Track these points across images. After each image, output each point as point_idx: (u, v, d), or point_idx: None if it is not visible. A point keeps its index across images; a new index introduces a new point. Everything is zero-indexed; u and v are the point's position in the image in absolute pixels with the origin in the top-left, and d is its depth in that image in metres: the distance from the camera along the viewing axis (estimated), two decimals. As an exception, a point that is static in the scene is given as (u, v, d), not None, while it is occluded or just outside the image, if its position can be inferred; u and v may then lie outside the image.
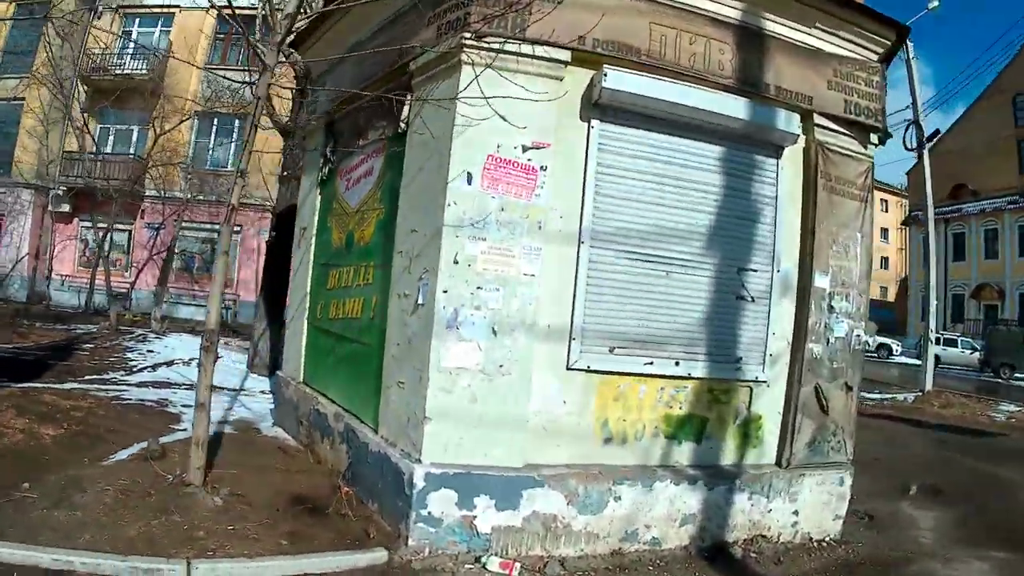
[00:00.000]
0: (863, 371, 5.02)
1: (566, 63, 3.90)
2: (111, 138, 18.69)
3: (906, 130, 12.96)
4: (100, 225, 15.23)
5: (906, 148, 13.07)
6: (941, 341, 23.07)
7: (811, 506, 4.50)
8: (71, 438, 4.71)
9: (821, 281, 4.51)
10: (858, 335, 4.68)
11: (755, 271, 4.44)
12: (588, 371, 4.01)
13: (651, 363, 4.14)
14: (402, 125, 4.33)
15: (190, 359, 8.70)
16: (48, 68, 14.16)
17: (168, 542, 3.25)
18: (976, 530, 4.97)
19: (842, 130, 4.61)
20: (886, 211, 44.17)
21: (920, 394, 12.57)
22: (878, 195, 45.67)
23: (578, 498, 3.89)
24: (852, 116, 4.59)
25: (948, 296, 31.92)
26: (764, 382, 4.44)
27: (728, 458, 4.41)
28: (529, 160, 3.83)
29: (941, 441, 8.80)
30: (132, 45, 17.50)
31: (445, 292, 3.72)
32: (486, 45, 3.77)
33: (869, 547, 4.52)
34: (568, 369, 3.97)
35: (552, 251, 3.91)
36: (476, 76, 3.72)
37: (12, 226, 17.68)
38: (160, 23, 18.87)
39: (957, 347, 24.64)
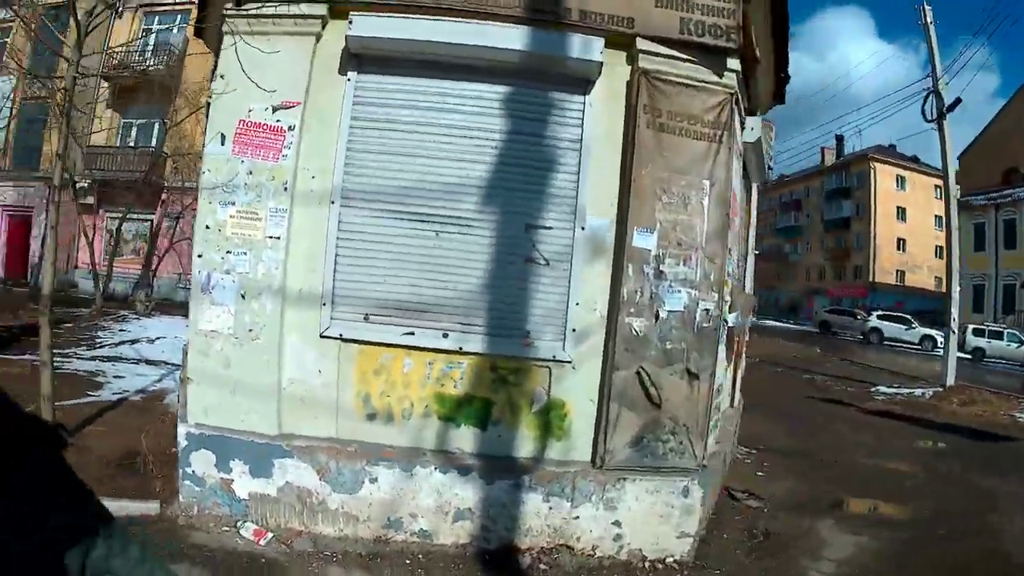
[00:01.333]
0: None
1: (322, 17, 3.74)
2: (134, 132, 19.41)
3: (925, 100, 12.07)
4: (120, 216, 16.37)
5: (925, 119, 12.05)
6: (986, 333, 22.35)
7: (640, 518, 3.71)
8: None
9: (642, 240, 3.69)
10: (706, 309, 3.73)
11: (550, 229, 3.79)
12: (342, 339, 3.77)
13: (411, 333, 3.76)
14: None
15: (156, 338, 9.64)
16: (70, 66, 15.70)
17: None
18: (914, 571, 3.71)
19: (680, 55, 3.74)
20: (939, 198, 35.50)
21: (940, 390, 11.06)
22: (931, 181, 37.09)
23: (330, 474, 3.69)
24: (693, 37, 3.70)
25: (999, 286, 29.15)
26: (567, 362, 3.77)
27: (524, 450, 3.82)
28: (278, 121, 3.73)
29: (939, 444, 7.27)
30: (151, 42, 18.33)
31: (200, 257, 3.78)
32: (244, 12, 3.76)
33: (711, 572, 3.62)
34: (321, 337, 3.78)
35: (305, 212, 3.76)
36: (234, 44, 3.71)
37: (41, 218, 18.80)
38: (179, 20, 19.52)
39: (1003, 340, 22.35)
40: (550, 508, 3.69)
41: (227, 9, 3.77)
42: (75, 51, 4.21)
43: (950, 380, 11.44)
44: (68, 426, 4.56)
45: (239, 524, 3.68)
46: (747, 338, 6.69)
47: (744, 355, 6.52)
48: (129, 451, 4.54)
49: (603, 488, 3.69)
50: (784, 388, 11.13)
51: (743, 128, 4.33)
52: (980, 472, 5.90)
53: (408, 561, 3.58)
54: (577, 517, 3.70)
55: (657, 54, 3.72)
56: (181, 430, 3.73)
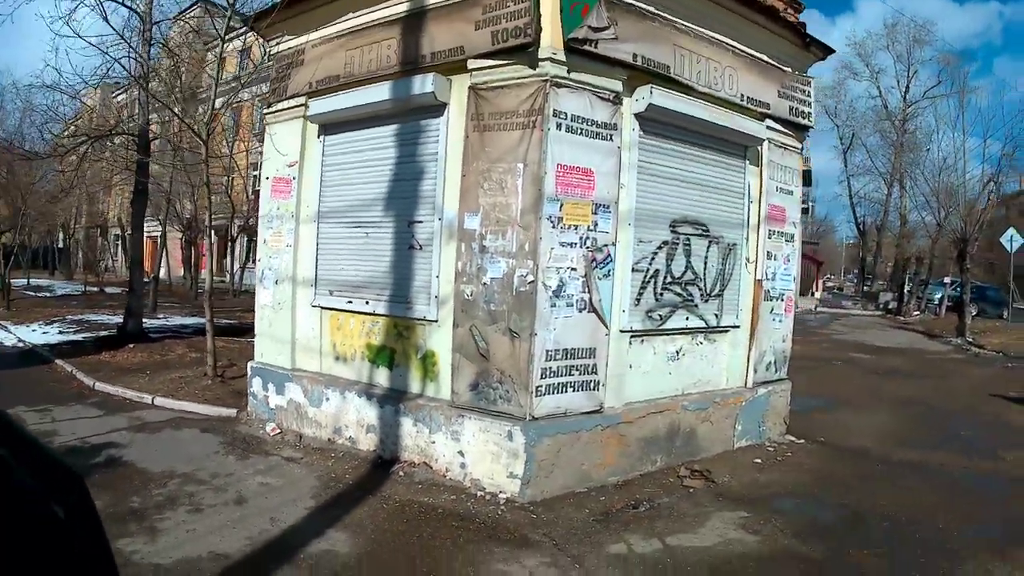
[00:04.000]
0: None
1: (303, 104, 5.82)
2: None
3: None
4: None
5: None
6: None
7: (477, 452, 4.54)
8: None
9: (470, 222, 4.59)
10: (523, 275, 4.36)
11: (422, 222, 4.99)
12: (321, 308, 5.71)
13: (351, 302, 5.44)
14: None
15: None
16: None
17: (165, 389, 7.03)
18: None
19: (495, 63, 4.53)
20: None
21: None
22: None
23: (309, 394, 5.66)
24: (501, 45, 4.45)
25: None
26: (435, 321, 4.88)
27: (414, 387, 5.07)
28: (288, 173, 5.97)
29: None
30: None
31: (259, 260, 6.32)
32: (270, 111, 6.19)
33: (527, 516, 4.15)
34: (312, 306, 5.80)
35: (303, 228, 5.89)
36: (268, 132, 6.16)
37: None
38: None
39: None
40: (417, 432, 4.86)
41: (265, 112, 6.21)
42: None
43: None
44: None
45: (266, 424, 5.90)
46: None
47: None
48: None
49: (451, 421, 4.66)
50: None
51: (612, 103, 4.61)
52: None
53: (343, 455, 5.21)
54: (434, 442, 4.76)
55: (483, 68, 4.59)
56: (249, 365, 6.23)
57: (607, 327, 4.68)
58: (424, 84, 4.78)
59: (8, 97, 14.07)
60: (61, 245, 30.14)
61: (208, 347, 7.35)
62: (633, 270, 4.94)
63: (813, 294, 31.92)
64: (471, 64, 4.62)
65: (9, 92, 14.17)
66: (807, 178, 34.63)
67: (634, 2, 4.64)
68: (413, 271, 5.07)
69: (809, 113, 6.08)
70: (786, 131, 5.93)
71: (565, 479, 4.52)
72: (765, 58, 5.65)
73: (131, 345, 9.00)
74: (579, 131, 4.44)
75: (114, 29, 7.16)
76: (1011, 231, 17.11)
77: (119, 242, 25.44)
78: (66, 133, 8.73)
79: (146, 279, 12.20)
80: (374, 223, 5.34)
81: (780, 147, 5.91)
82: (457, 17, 4.68)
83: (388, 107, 5.09)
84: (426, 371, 5.00)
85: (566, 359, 4.51)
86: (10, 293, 14.70)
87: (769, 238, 5.89)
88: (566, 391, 4.52)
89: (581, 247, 4.49)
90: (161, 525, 3.70)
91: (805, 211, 43.00)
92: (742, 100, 5.47)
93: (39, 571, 0.60)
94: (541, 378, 4.39)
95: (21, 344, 9.90)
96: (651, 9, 4.75)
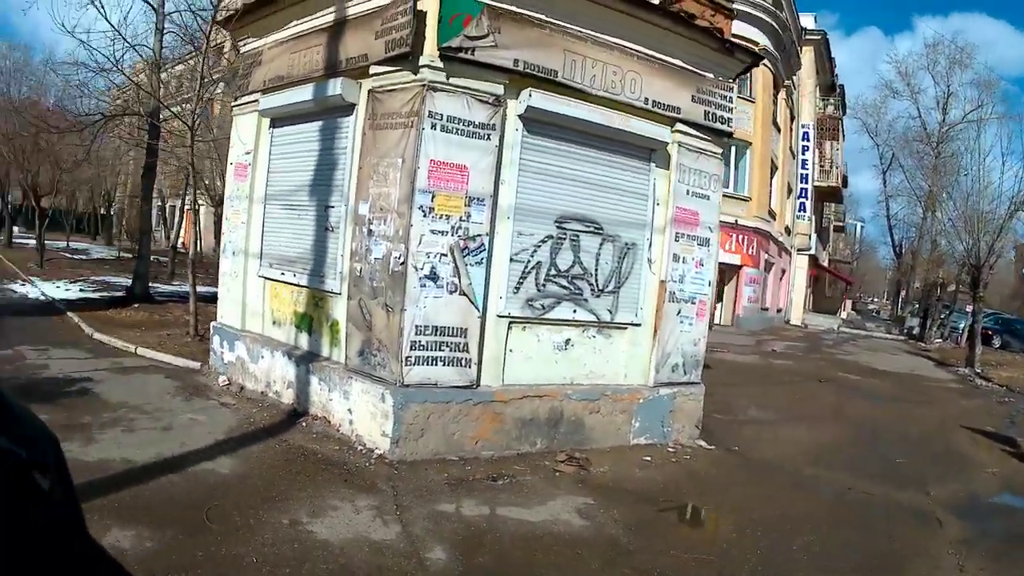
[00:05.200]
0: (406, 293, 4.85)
1: (256, 100, 6.60)
2: None
3: None
4: None
5: None
6: None
7: (361, 411, 5.14)
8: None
9: (362, 209, 5.19)
10: (397, 257, 4.91)
11: (334, 207, 5.64)
12: (264, 278, 6.51)
13: (283, 274, 6.20)
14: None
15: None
16: None
17: (149, 342, 8.12)
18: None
19: (387, 69, 5.07)
20: None
21: None
22: None
23: (251, 352, 6.49)
24: (391, 53, 4.95)
25: None
26: (339, 294, 5.52)
27: (324, 350, 5.75)
28: (246, 160, 6.79)
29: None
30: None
31: (223, 235, 7.22)
32: (235, 104, 7.04)
33: (389, 470, 4.68)
34: (258, 276, 6.61)
35: (254, 208, 6.69)
36: (233, 120, 7.03)
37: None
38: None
39: None
40: (321, 389, 5.54)
41: (232, 104, 7.06)
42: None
43: None
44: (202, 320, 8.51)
45: (219, 376, 6.78)
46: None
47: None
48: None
49: (344, 382, 5.30)
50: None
51: (492, 105, 5.05)
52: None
53: (268, 405, 5.97)
54: (332, 399, 5.42)
55: (379, 74, 5.16)
56: (212, 325, 7.15)
57: (479, 310, 5.13)
58: (335, 87, 5.40)
59: (47, 74, 15.36)
60: (104, 213, 32.49)
61: (191, 309, 8.41)
62: (512, 260, 5.34)
63: (840, 314, 30.43)
64: (372, 70, 5.19)
65: (44, 69, 15.43)
66: (835, 195, 32.83)
67: (521, 11, 5.02)
68: (327, 249, 5.73)
69: (728, 119, 6.18)
70: (702, 135, 6.08)
71: (436, 445, 5.02)
72: (679, 63, 5.83)
73: (136, 305, 10.33)
74: (455, 131, 4.91)
75: (112, 26, 8.16)
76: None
77: (161, 213, 27.67)
78: (85, 110, 10.03)
79: (183, 249, 13.58)
80: (303, 206, 6.05)
81: (694, 151, 6.07)
82: (364, 28, 5.26)
83: (312, 106, 5.76)
84: (332, 337, 5.66)
85: (436, 335, 5.01)
86: (44, 253, 16.55)
87: (676, 240, 6.08)
88: (436, 364, 5.03)
89: (453, 235, 4.97)
90: (97, 436, 4.60)
91: (839, 230, 41.12)
92: (646, 104, 5.70)
93: (27, 548, 0.58)
94: (411, 350, 4.92)
95: (43, 298, 11.41)
96: (541, 17, 5.11)
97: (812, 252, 29.36)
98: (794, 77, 25.76)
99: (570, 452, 5.49)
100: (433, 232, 4.92)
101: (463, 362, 5.12)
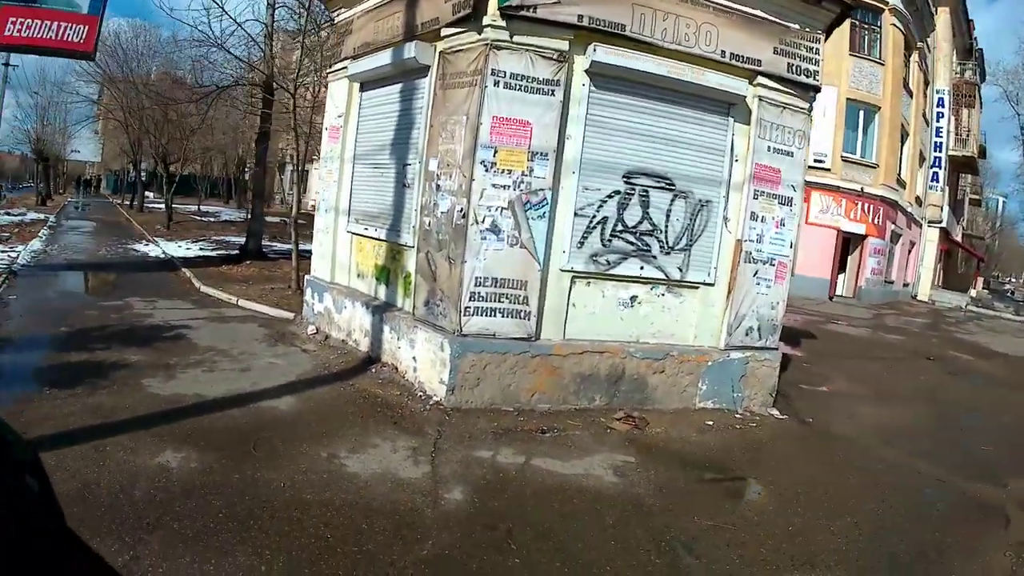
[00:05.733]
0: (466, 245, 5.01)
1: (346, 67, 7.04)
2: None
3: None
4: None
5: None
6: None
7: (424, 359, 5.46)
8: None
9: (432, 165, 5.44)
10: (460, 210, 5.12)
11: (410, 165, 5.94)
12: (350, 233, 7.03)
13: (366, 229, 6.65)
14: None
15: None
16: None
17: (251, 295, 8.95)
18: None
19: (456, 31, 5.26)
20: None
21: None
22: None
23: (336, 303, 7.07)
24: (458, 15, 5.14)
25: None
26: (412, 247, 5.84)
27: (398, 301, 6.15)
28: (338, 123, 7.31)
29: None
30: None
31: (318, 193, 7.82)
32: (330, 70, 7.55)
33: (441, 415, 4.94)
34: (346, 231, 7.14)
35: (344, 168, 7.21)
36: (328, 87, 7.58)
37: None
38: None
39: None
40: (392, 338, 5.94)
41: (327, 72, 7.57)
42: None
43: None
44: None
45: (309, 325, 7.44)
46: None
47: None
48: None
49: (411, 330, 5.65)
50: None
51: (557, 61, 5.08)
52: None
53: (346, 352, 6.51)
54: (399, 348, 5.81)
55: (448, 36, 5.36)
56: (305, 277, 7.83)
57: (540, 264, 5.23)
58: (411, 50, 5.66)
59: (174, 51, 16.50)
60: (236, 177, 34.78)
61: (293, 264, 9.23)
62: (576, 215, 5.37)
63: (969, 292, 26.92)
64: (443, 32, 5.39)
65: (169, 47, 16.60)
66: (971, 166, 28.66)
67: (588, -36, 4.97)
68: (404, 205, 6.07)
69: (815, 71, 5.71)
70: (785, 89, 5.69)
71: (492, 395, 5.23)
72: (760, 13, 5.48)
73: (248, 262, 11.45)
74: (518, 87, 4.99)
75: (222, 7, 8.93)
76: None
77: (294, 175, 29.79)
78: (205, 83, 11.13)
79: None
80: (385, 165, 6.43)
81: (776, 106, 5.70)
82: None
83: (391, 69, 6.07)
84: (405, 288, 6.03)
85: (495, 287, 5.19)
86: (173, 216, 18.26)
87: (755, 198, 5.77)
88: (495, 315, 5.22)
89: (514, 189, 5.08)
90: (178, 375, 5.27)
91: (976, 203, 35.82)
92: (723, 57, 5.43)
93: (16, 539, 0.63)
94: (470, 300, 5.14)
95: (162, 256, 12.85)
96: (607, -31, 5.02)
97: (944, 225, 26.45)
98: (928, 40, 22.96)
99: (629, 411, 5.48)
100: (495, 186, 5.06)
101: (522, 314, 5.26)
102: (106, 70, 14.66)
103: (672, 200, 5.65)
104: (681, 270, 5.77)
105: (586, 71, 5.18)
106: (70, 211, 26.42)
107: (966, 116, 26.06)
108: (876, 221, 19.22)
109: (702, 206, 5.75)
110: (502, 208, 5.09)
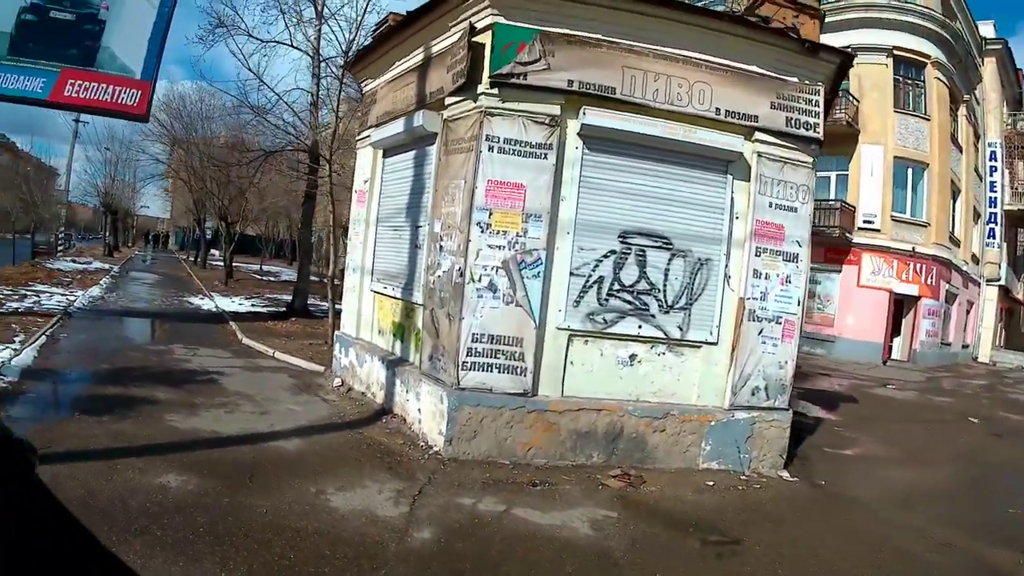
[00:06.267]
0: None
1: (369, 135, 7.61)
2: None
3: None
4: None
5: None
6: None
7: (427, 411, 5.64)
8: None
9: (436, 227, 5.76)
10: (458, 269, 5.35)
11: (421, 227, 6.30)
12: (373, 292, 7.42)
13: (386, 288, 7.01)
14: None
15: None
16: None
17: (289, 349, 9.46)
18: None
19: (456, 99, 5.64)
20: None
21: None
22: None
23: (359, 358, 7.41)
24: (456, 84, 5.50)
25: None
26: (421, 305, 6.12)
27: (409, 356, 6.39)
28: (364, 187, 7.85)
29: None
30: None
31: (348, 254, 8.32)
32: (358, 137, 8.18)
33: (436, 464, 5.13)
34: (370, 291, 7.54)
35: (369, 230, 7.69)
36: (357, 153, 8.19)
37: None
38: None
39: None
40: (401, 390, 6.17)
41: (356, 139, 8.19)
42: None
43: None
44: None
45: (335, 379, 7.79)
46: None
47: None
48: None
49: (417, 384, 5.86)
50: None
51: (548, 125, 5.34)
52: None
53: (363, 404, 6.79)
54: (408, 400, 6.01)
55: (450, 104, 5.74)
56: (335, 334, 8.25)
57: (535, 321, 5.35)
58: (419, 119, 6.09)
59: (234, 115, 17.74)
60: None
61: (329, 322, 9.73)
62: (572, 274, 5.48)
63: None
64: (446, 101, 5.79)
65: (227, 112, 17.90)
66: None
67: (576, 32, 5.27)
68: (416, 265, 6.40)
69: (816, 124, 5.68)
70: (785, 144, 5.68)
71: (488, 447, 5.31)
72: (754, 68, 5.57)
73: (293, 319, 12.11)
74: (511, 151, 5.27)
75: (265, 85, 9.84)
76: None
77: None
78: (258, 147, 12.11)
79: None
80: (402, 227, 6.84)
81: (777, 161, 5.68)
82: (441, 64, 5.91)
83: (404, 137, 6.54)
84: (416, 344, 6.27)
85: (491, 343, 5.33)
86: (233, 274, 19.18)
87: (757, 256, 5.70)
88: (491, 371, 5.34)
89: (509, 249, 5.29)
90: (201, 413, 5.70)
91: None
92: (717, 114, 5.52)
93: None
94: (467, 355, 5.30)
95: (214, 309, 13.72)
96: (597, 37, 5.30)
97: (1003, 283, 24.56)
98: (975, 92, 22.08)
99: (627, 468, 5.38)
100: (490, 247, 5.29)
101: (518, 370, 5.35)
102: (171, 131, 15.98)
103: (670, 259, 5.67)
104: (681, 329, 5.72)
105: (578, 134, 5.40)
106: (136, 263, 28.69)
107: (1021, 168, 24.46)
108: (929, 281, 18.30)
109: (702, 264, 5.73)
110: (497, 267, 5.28)
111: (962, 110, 20.78)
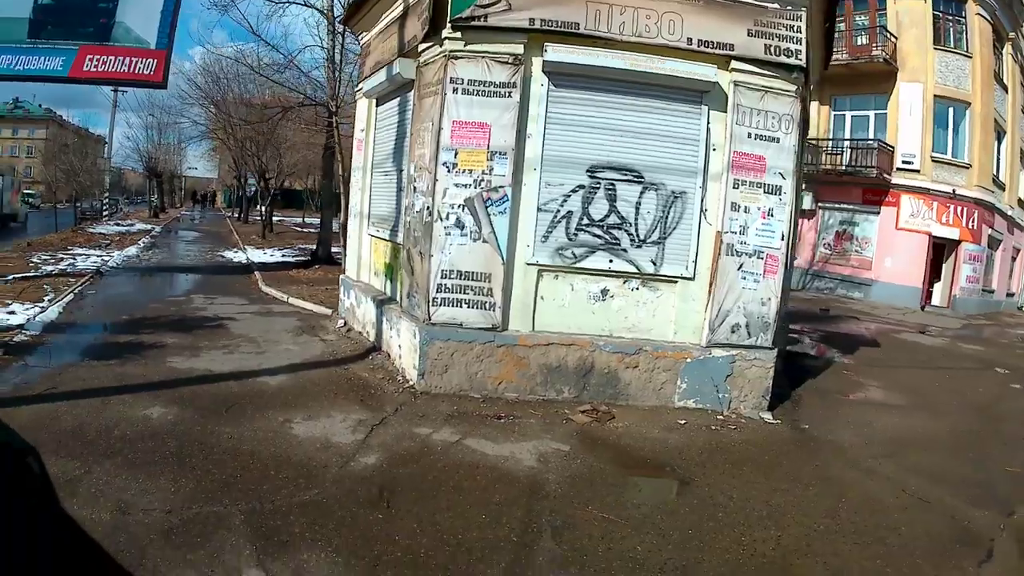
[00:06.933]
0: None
1: (361, 87, 7.79)
2: (847, 125, 18.47)
3: None
4: None
5: None
6: None
7: (405, 347, 5.91)
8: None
9: (411, 169, 5.92)
10: (428, 208, 5.51)
11: (403, 170, 6.46)
12: (369, 235, 7.71)
13: (379, 231, 7.28)
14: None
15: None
16: None
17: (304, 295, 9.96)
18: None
19: (427, 45, 5.70)
20: None
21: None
22: None
23: (357, 299, 7.78)
24: (424, 31, 5.55)
25: None
26: (401, 245, 6.36)
27: (397, 295, 6.67)
28: (362, 136, 8.07)
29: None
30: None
31: (350, 200, 8.62)
32: (355, 89, 8.35)
33: (407, 396, 5.44)
34: (367, 234, 7.84)
35: (365, 176, 7.93)
36: (357, 103, 8.38)
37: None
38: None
39: None
40: (386, 328, 6.49)
41: (355, 90, 8.35)
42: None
43: None
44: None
45: (339, 320, 8.21)
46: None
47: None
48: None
49: (398, 321, 6.15)
50: None
51: (512, 64, 5.33)
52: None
53: (358, 342, 7.16)
54: (391, 337, 6.32)
55: (423, 51, 5.79)
56: (340, 277, 8.65)
57: (503, 257, 5.47)
58: (397, 66, 6.20)
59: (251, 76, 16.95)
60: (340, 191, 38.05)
61: (342, 267, 10.15)
62: (540, 210, 5.53)
63: None
64: (420, 48, 5.85)
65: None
66: None
67: (538, -31, 5.17)
68: (400, 208, 6.60)
69: (798, 51, 5.38)
70: (765, 72, 5.43)
71: (459, 381, 5.54)
72: (730, -5, 5.31)
73: (317, 266, 12.65)
74: (475, 92, 5.31)
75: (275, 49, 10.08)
76: None
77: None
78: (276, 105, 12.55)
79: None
80: (390, 172, 7.04)
81: (756, 90, 5.45)
82: (415, 13, 5.97)
83: (387, 85, 6.65)
84: (400, 283, 6.53)
85: (460, 279, 5.51)
86: (271, 227, 19.65)
87: (736, 188, 5.55)
88: (461, 306, 5.53)
89: (476, 187, 5.39)
90: (199, 355, 6.17)
91: None
92: (690, 44, 5.33)
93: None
94: (437, 292, 5.51)
95: (244, 262, 14.34)
96: (559, -28, 5.18)
97: None
98: (1021, 29, 19.90)
99: (597, 405, 5.50)
100: (457, 185, 5.40)
101: (487, 305, 5.52)
102: (209, 93, 16.70)
103: (641, 192, 5.61)
104: (655, 263, 5.69)
105: (543, 71, 5.36)
106: (182, 223, 30.17)
107: (1074, 108, 21.83)
108: (971, 225, 17.23)
109: (676, 197, 5.64)
110: (463, 205, 5.41)
111: (1007, 48, 19.08)
